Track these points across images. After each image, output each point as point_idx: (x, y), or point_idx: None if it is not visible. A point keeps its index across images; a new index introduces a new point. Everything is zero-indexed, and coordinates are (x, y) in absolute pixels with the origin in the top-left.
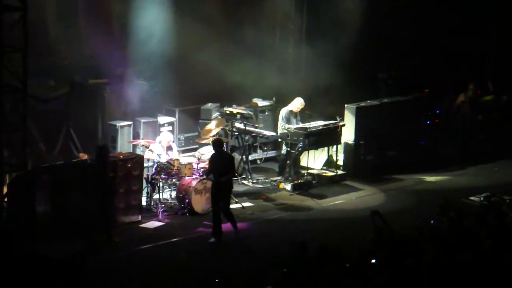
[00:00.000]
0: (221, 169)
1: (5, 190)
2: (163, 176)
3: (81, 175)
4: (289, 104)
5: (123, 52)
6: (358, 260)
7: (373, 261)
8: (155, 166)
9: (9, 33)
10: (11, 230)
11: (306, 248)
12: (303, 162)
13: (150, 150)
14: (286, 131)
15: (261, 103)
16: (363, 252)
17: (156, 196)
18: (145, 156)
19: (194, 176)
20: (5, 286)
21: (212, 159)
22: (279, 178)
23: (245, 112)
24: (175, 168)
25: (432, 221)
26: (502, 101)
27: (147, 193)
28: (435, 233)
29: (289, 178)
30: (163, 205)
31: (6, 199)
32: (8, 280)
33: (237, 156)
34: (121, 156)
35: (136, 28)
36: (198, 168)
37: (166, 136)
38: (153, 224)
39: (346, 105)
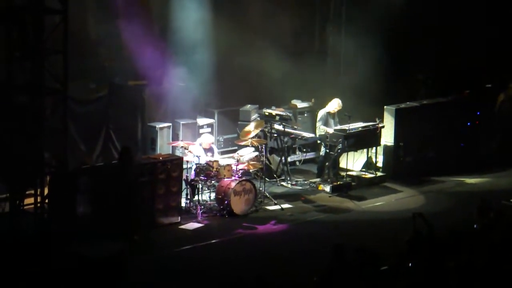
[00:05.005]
0: None
1: (45, 192)
2: (202, 178)
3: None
4: (327, 106)
5: (162, 54)
6: (395, 263)
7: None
8: (194, 168)
9: (50, 35)
10: (53, 231)
11: (344, 250)
12: (343, 164)
13: (189, 151)
14: (323, 132)
15: (300, 104)
16: (400, 255)
17: (195, 197)
18: (184, 158)
19: (233, 178)
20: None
21: None
22: (318, 179)
23: (284, 113)
24: (214, 169)
25: (475, 225)
26: None
27: (187, 194)
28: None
29: (328, 180)
30: (202, 207)
31: (47, 201)
32: (51, 280)
33: (276, 158)
34: (161, 158)
35: (176, 30)
36: (237, 169)
37: (207, 138)
38: (192, 225)
39: (385, 106)
